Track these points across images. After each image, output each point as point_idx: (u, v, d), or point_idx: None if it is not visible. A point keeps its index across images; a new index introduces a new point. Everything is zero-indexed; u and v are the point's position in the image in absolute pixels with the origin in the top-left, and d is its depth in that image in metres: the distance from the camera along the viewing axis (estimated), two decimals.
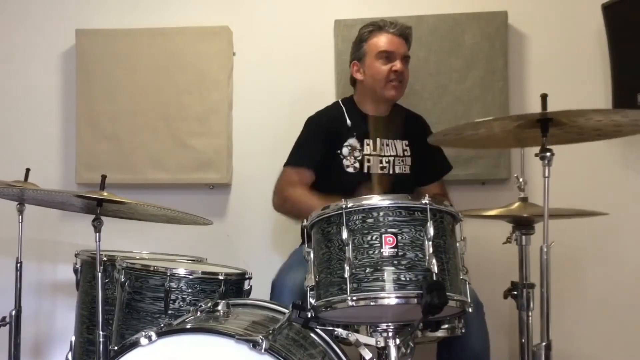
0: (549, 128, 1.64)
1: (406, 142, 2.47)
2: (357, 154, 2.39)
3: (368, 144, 2.42)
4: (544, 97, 1.65)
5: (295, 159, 2.43)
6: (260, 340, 1.46)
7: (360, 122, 2.44)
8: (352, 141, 2.40)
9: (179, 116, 2.91)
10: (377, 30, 2.42)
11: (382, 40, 2.40)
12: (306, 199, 2.26)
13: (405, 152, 2.46)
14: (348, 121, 2.42)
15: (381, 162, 2.42)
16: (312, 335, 1.75)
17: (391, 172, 2.42)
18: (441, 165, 2.55)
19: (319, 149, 2.40)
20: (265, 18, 3.00)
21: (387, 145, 2.44)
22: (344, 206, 1.55)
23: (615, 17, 2.64)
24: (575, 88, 2.74)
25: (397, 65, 2.37)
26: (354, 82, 2.51)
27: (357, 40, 2.48)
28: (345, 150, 2.39)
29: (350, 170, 2.39)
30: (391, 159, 2.43)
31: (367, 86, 2.44)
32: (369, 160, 2.40)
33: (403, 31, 2.42)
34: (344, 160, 2.39)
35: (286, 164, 2.43)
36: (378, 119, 2.46)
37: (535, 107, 1.66)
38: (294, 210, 2.37)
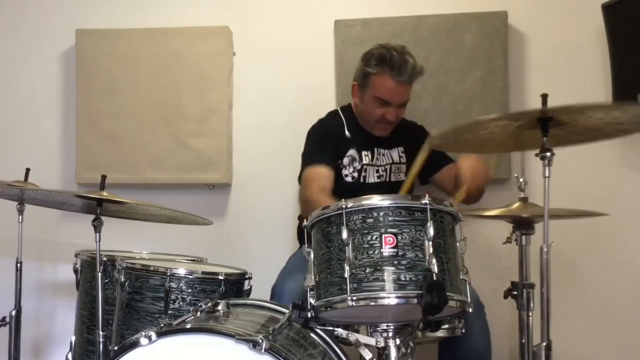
0: (549, 128, 1.63)
1: (402, 148, 2.49)
2: (356, 164, 2.42)
3: (366, 155, 2.44)
4: (544, 97, 1.65)
5: (310, 160, 2.38)
6: (260, 340, 1.46)
7: (358, 134, 2.45)
8: (352, 152, 2.43)
9: (179, 116, 2.91)
10: (383, 73, 2.29)
11: (384, 87, 2.30)
12: (323, 200, 2.09)
13: (402, 159, 2.48)
14: (347, 133, 2.44)
15: (377, 171, 2.45)
16: (312, 335, 1.75)
17: (387, 180, 2.45)
18: (442, 156, 2.47)
19: (329, 148, 2.39)
20: (265, 18, 3.00)
21: (383, 154, 2.47)
22: (344, 206, 1.55)
23: (615, 17, 2.64)
24: (576, 88, 2.73)
25: (390, 114, 2.34)
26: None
27: (363, 67, 2.36)
28: (345, 160, 2.42)
29: (348, 179, 2.41)
30: (387, 167, 2.46)
31: (360, 112, 2.45)
32: (365, 170, 2.43)
33: (411, 79, 2.31)
34: (343, 170, 2.41)
35: (304, 168, 2.39)
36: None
37: (535, 107, 1.66)
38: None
